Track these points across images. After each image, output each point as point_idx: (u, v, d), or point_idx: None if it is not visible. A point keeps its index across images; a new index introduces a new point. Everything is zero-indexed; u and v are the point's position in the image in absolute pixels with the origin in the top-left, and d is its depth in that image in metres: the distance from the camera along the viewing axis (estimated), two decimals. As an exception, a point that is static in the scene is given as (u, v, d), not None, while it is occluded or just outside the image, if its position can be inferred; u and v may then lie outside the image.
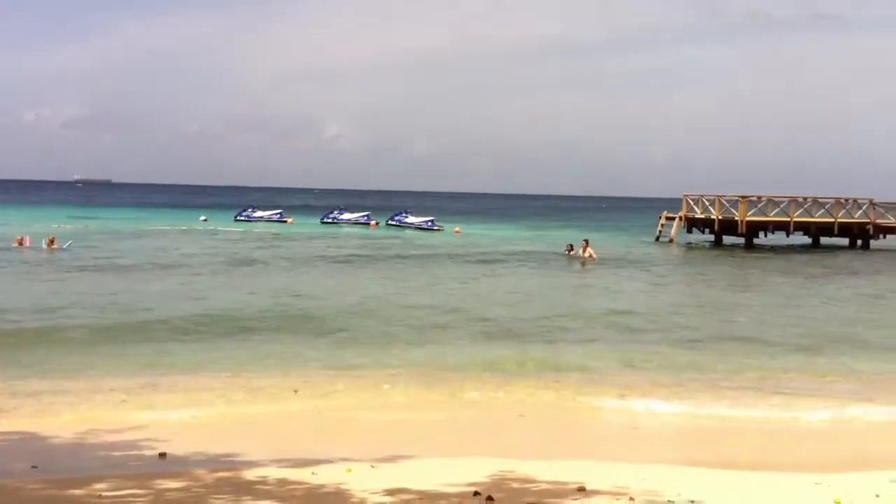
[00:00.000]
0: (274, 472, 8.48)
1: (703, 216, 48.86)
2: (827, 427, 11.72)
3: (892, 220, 47.72)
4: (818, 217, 48.06)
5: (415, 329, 18.65)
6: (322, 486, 8.06)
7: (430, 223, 60.29)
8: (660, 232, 50.72)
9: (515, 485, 8.33)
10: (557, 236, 52.54)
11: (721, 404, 12.69)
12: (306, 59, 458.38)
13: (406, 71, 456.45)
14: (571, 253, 37.37)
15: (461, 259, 36.41)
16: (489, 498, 7.55)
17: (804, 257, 42.12)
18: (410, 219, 61.63)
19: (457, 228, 58.71)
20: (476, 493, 7.71)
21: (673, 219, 50.14)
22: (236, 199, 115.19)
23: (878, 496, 7.68)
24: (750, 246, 46.35)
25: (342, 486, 8.00)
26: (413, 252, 39.39)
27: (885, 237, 48.26)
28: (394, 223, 60.79)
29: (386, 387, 13.28)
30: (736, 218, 46.85)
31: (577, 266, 34.64)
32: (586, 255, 36.57)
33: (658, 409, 12.40)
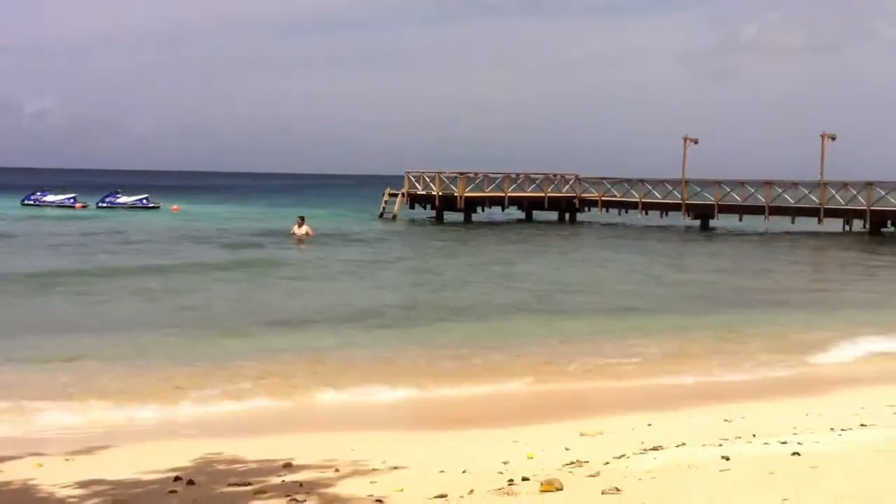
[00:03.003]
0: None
1: (424, 192, 50.23)
2: (529, 390, 12.34)
3: (595, 193, 51.24)
4: (530, 192, 50.80)
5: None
6: (7, 483, 7.47)
7: (143, 201, 57.46)
8: (383, 208, 51.57)
9: (222, 466, 8.12)
10: (284, 213, 51.94)
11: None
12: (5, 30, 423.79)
13: (137, 46, 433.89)
14: (294, 232, 36.81)
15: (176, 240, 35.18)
16: (190, 482, 7.30)
17: (522, 228, 44.54)
18: (123, 198, 58.32)
19: (175, 206, 56.59)
20: (177, 479, 7.43)
21: (395, 195, 51.16)
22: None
23: (567, 449, 8.15)
24: (469, 221, 48.22)
25: (30, 482, 7.45)
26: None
27: (589, 210, 51.79)
28: (105, 205, 57.36)
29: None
30: (455, 194, 48.57)
31: (294, 244, 34.18)
32: (302, 231, 36.38)
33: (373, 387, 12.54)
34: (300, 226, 36.66)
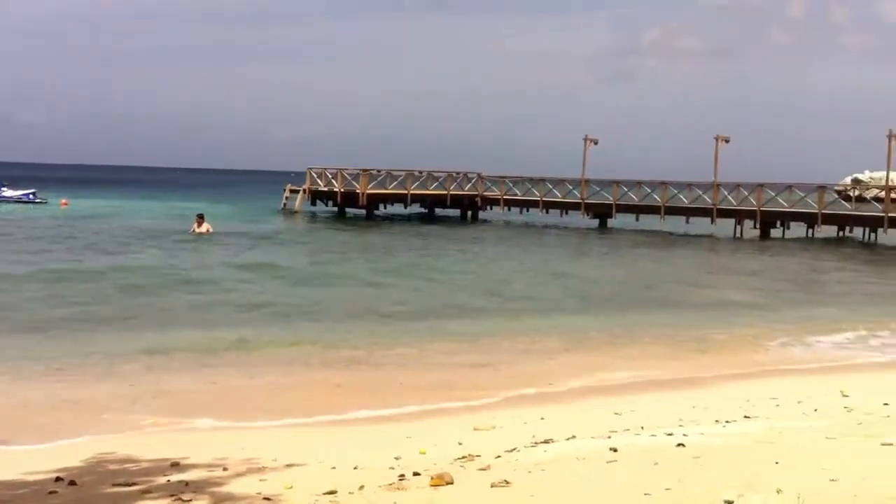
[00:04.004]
0: None
1: (326, 189, 49.92)
2: (422, 385, 12.35)
3: (498, 192, 51.69)
4: (433, 190, 50.96)
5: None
6: None
7: (30, 195, 55.28)
8: (284, 205, 51.02)
9: (113, 466, 7.92)
10: (184, 209, 50.75)
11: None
12: None
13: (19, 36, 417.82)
14: (193, 230, 35.80)
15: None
16: (72, 482, 7.08)
17: (421, 226, 44.55)
18: (7, 192, 55.88)
19: (63, 201, 54.82)
20: (58, 479, 7.20)
21: (297, 191, 50.72)
22: None
23: (460, 443, 8.19)
24: (371, 217, 48.11)
25: None
26: None
27: (491, 208, 52.20)
28: None
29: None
30: (357, 190, 48.39)
31: (196, 243, 33.24)
32: (202, 230, 35.54)
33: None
34: (200, 224, 35.77)
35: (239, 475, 7.20)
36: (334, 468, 7.29)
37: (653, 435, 7.77)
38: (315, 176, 50.49)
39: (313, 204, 50.80)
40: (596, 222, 47.29)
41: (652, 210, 45.40)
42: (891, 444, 6.76)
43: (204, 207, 42.94)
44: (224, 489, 6.66)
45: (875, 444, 6.82)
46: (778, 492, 5.45)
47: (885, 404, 9.35)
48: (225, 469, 7.43)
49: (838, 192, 45.28)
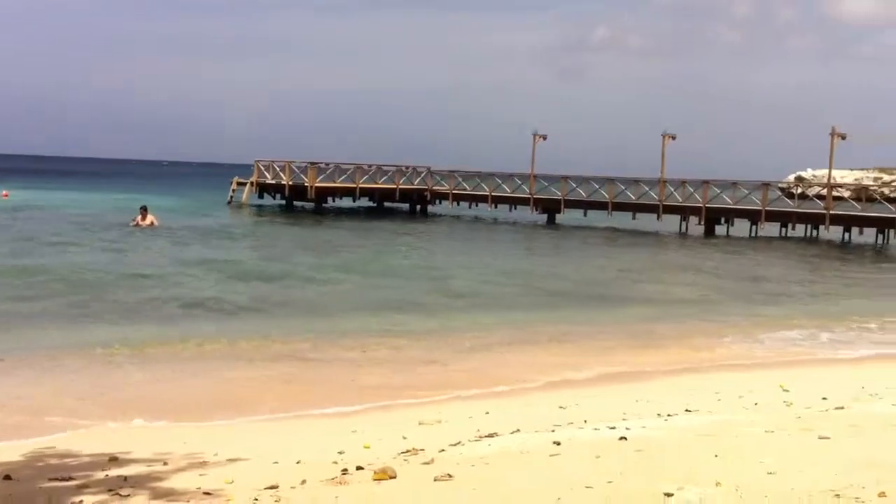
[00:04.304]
0: None
1: (274, 182, 49.56)
2: (368, 381, 12.32)
3: (447, 186, 51.71)
4: (381, 184, 50.84)
5: None
6: None
7: None
8: (231, 198, 50.54)
9: (52, 461, 7.77)
10: (123, 200, 50.00)
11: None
12: None
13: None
14: (137, 223, 35.06)
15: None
16: (6, 477, 6.94)
17: (370, 220, 44.40)
18: None
19: (4, 192, 53.69)
20: (-8, 475, 7.04)
21: (244, 184, 50.28)
22: None
23: (405, 438, 8.17)
24: (319, 211, 47.86)
25: None
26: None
27: (440, 202, 52.21)
28: None
29: None
30: (306, 184, 48.11)
31: (139, 236, 32.61)
32: (147, 223, 34.85)
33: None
34: (144, 216, 35.02)
35: (179, 470, 7.11)
36: (277, 463, 7.22)
37: (596, 429, 7.82)
38: (262, 168, 50.10)
39: (261, 197, 50.40)
40: (544, 217, 47.52)
41: (600, 206, 45.74)
42: (828, 438, 6.88)
43: (150, 200, 42.11)
44: (163, 484, 6.56)
45: (813, 438, 6.93)
46: (717, 485, 5.51)
47: (824, 399, 9.52)
48: (165, 464, 7.33)
49: (782, 190, 46.10)
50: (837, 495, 5.27)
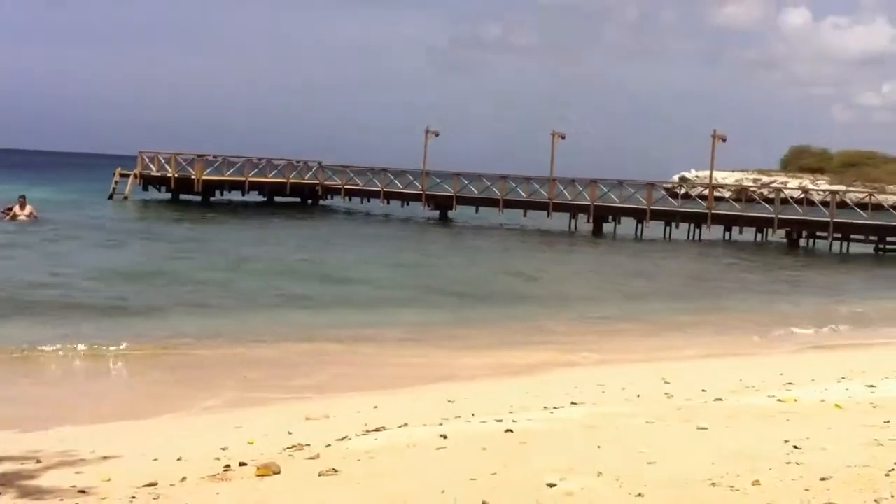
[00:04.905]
0: None
1: (159, 174, 48.33)
2: (255, 376, 12.13)
3: (339, 181, 51.36)
4: (272, 177, 50.17)
5: None
6: None
7: None
8: (114, 189, 48.96)
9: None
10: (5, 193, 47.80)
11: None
12: None
13: None
14: (12, 215, 32.72)
15: None
16: None
17: (260, 215, 43.79)
18: None
19: None
20: None
21: (128, 176, 48.84)
22: None
23: (290, 433, 8.04)
24: (207, 204, 46.88)
25: None
26: None
27: (332, 198, 51.84)
28: None
29: None
30: (193, 176, 47.09)
31: (14, 228, 31.00)
32: (25, 213, 33.23)
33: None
34: (22, 207, 33.28)
35: (53, 467, 6.84)
36: (156, 460, 7.02)
37: (483, 422, 7.85)
38: (147, 160, 48.79)
39: (145, 189, 48.94)
40: (437, 214, 47.69)
41: (491, 203, 46.14)
42: (706, 429, 7.06)
43: (19, 190, 39.42)
44: (35, 482, 6.30)
45: (691, 429, 7.11)
46: (598, 474, 5.60)
47: (703, 391, 9.79)
48: (38, 461, 7.04)
49: (666, 190, 47.33)
50: (714, 483, 5.41)
